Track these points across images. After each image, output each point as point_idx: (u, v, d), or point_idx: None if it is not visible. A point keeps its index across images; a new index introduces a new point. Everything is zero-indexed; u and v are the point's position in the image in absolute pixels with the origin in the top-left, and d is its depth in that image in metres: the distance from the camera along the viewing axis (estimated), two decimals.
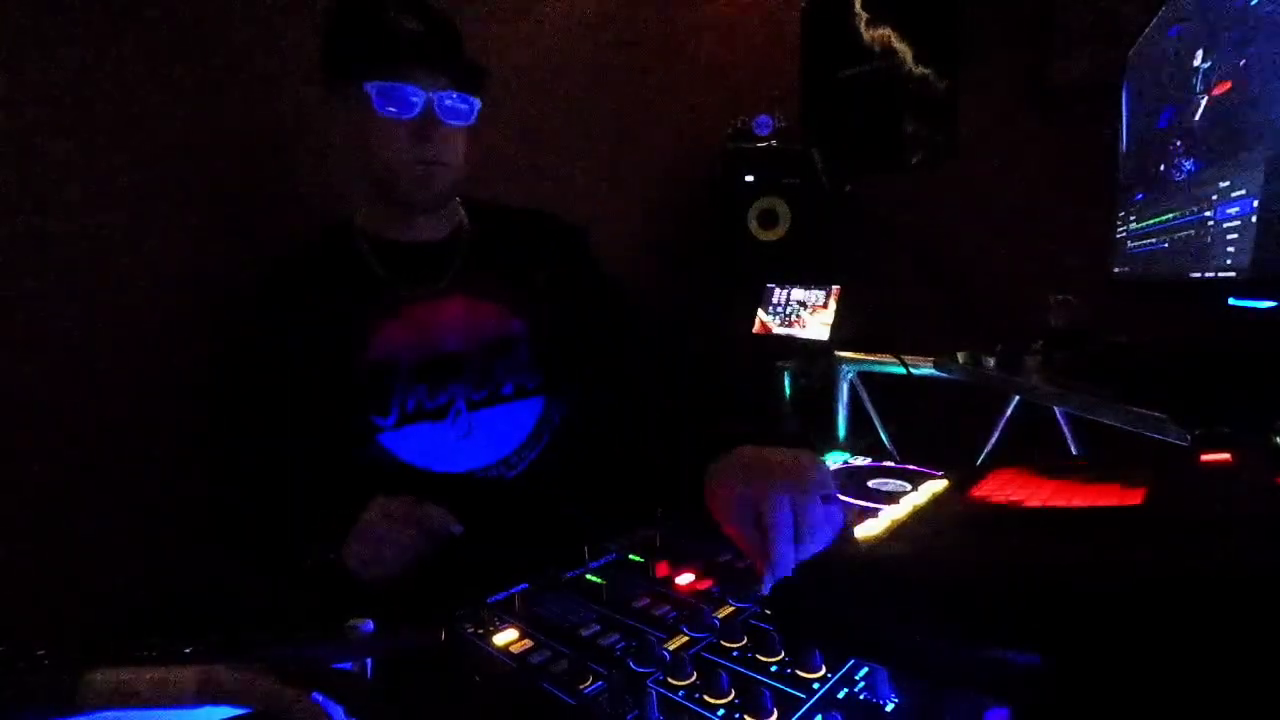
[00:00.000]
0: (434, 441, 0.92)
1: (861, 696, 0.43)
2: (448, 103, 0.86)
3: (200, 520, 1.10)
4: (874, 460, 0.97)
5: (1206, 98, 0.75)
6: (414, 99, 0.84)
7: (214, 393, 1.00)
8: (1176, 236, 0.81)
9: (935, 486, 0.53)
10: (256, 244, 1.16)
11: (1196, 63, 0.77)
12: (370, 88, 0.83)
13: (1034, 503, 0.44)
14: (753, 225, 1.68)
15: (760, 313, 1.59)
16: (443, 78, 0.86)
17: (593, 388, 1.02)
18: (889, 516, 0.47)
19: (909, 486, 0.83)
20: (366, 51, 0.85)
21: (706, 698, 0.43)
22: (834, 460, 0.99)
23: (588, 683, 0.45)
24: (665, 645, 0.49)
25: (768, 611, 0.54)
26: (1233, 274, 0.67)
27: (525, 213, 1.06)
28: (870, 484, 0.86)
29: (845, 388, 1.43)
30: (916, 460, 0.94)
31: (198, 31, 1.10)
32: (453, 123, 0.88)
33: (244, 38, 1.14)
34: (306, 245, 0.99)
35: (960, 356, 1.12)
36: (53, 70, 0.99)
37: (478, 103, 0.89)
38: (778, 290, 1.58)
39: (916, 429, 1.38)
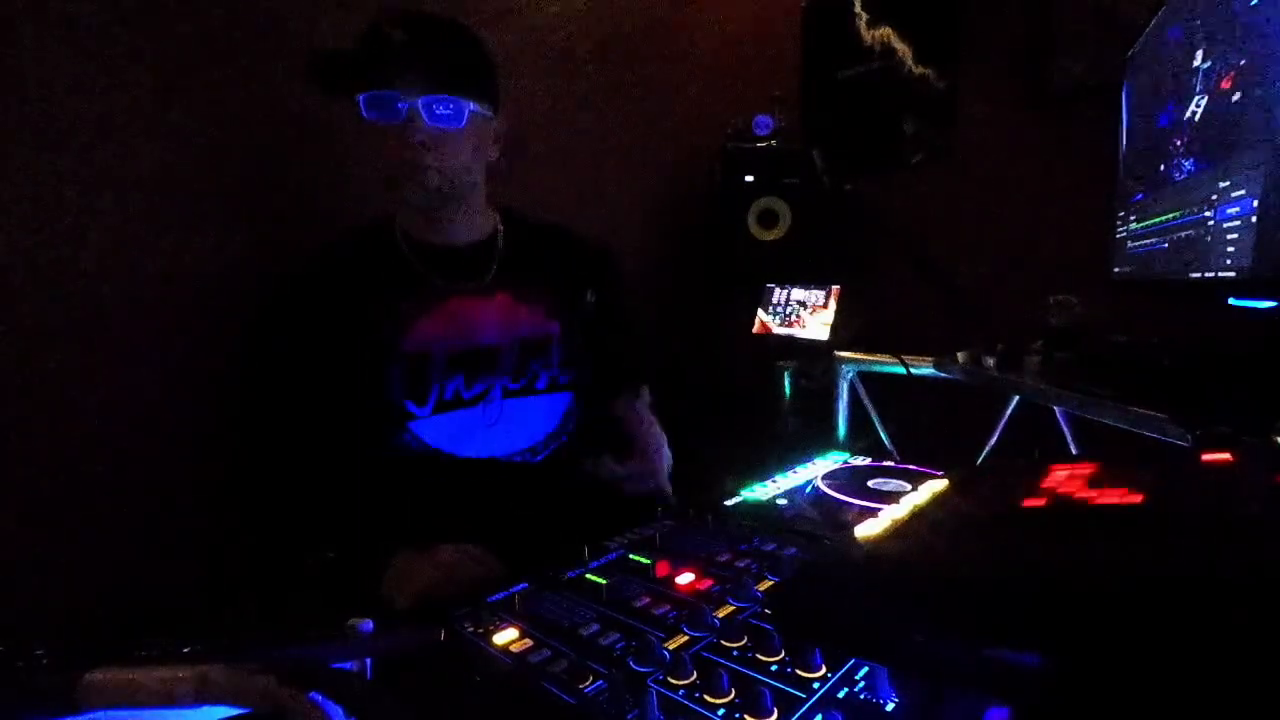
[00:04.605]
0: (462, 428, 0.96)
1: (861, 696, 0.43)
2: (435, 108, 0.88)
3: (200, 521, 1.10)
4: (874, 460, 0.97)
5: (1206, 98, 0.75)
6: (397, 105, 0.87)
7: (247, 378, 1.02)
8: (1176, 236, 0.81)
9: (935, 486, 0.53)
10: (274, 244, 1.16)
11: (1196, 63, 0.77)
12: (360, 98, 0.88)
13: (1034, 503, 0.44)
14: (753, 225, 1.68)
15: (760, 313, 1.59)
16: (428, 82, 0.88)
17: (606, 390, 1.08)
18: (889, 516, 0.47)
19: (909, 486, 0.83)
20: (352, 63, 0.88)
21: (706, 697, 0.43)
22: (834, 460, 0.99)
23: (588, 682, 0.45)
24: (665, 645, 0.49)
25: (768, 611, 0.54)
26: (1233, 274, 0.67)
27: (559, 229, 1.13)
28: (870, 484, 0.86)
29: (845, 388, 1.43)
30: (916, 460, 0.95)
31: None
32: (441, 126, 0.89)
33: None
34: (333, 244, 1.01)
35: (960, 356, 1.12)
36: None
37: (469, 105, 0.91)
38: (778, 290, 1.58)
39: (916, 429, 1.38)
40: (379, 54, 0.87)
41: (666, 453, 1.01)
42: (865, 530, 0.45)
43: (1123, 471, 0.46)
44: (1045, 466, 0.50)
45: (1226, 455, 0.45)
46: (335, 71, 0.91)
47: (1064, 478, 0.47)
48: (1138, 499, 0.39)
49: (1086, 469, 0.48)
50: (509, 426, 0.99)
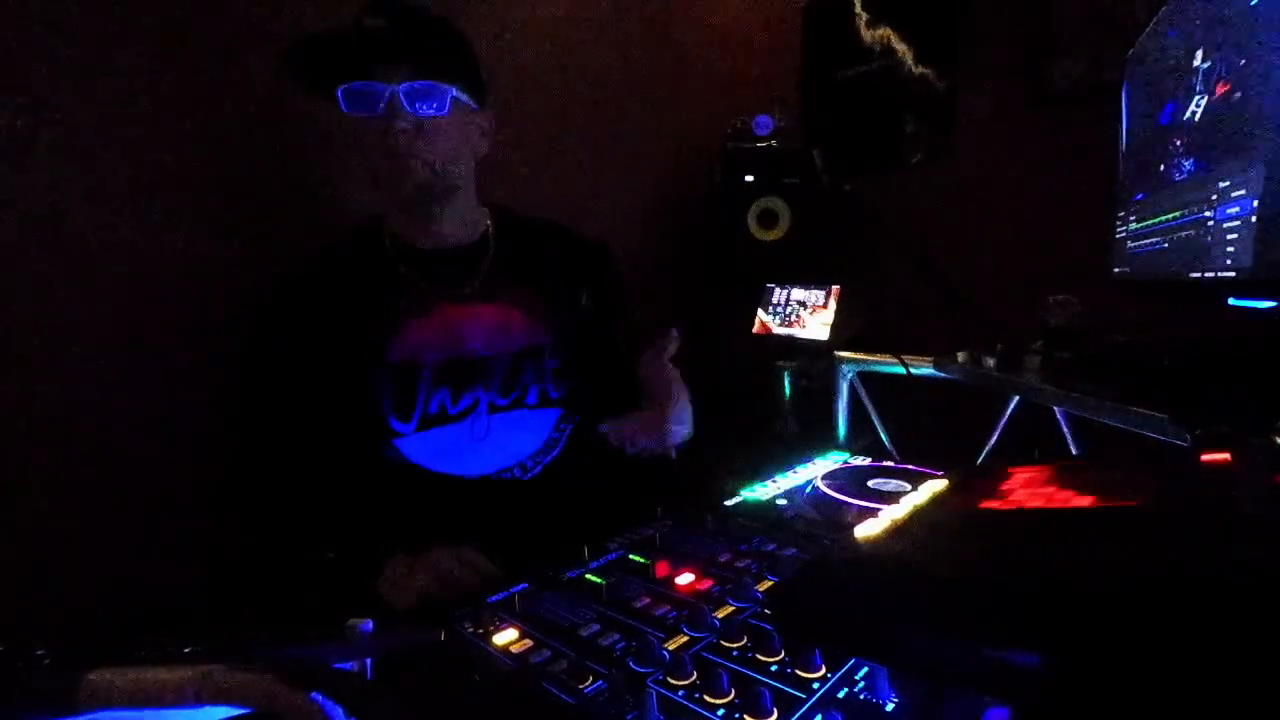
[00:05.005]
0: (450, 445, 0.93)
1: (861, 696, 0.43)
2: (415, 95, 0.85)
3: (200, 521, 1.10)
4: (874, 460, 0.97)
5: (1206, 98, 0.75)
6: (376, 94, 0.84)
7: (247, 378, 1.01)
8: (1176, 236, 0.81)
9: (935, 486, 0.53)
10: (273, 244, 1.16)
11: (1196, 63, 0.77)
12: (339, 92, 0.84)
13: (1034, 503, 0.44)
14: (753, 225, 1.68)
15: (760, 313, 1.59)
16: (404, 69, 0.84)
17: (602, 397, 1.03)
18: (889, 516, 0.47)
19: (909, 486, 0.83)
20: (327, 57, 0.86)
21: (706, 698, 0.43)
22: (834, 460, 0.99)
23: (588, 683, 0.45)
24: (665, 645, 0.49)
25: (768, 611, 0.54)
26: (1233, 274, 0.67)
27: (553, 227, 1.08)
28: (870, 484, 0.86)
29: (845, 388, 1.43)
30: (916, 460, 0.95)
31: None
32: (423, 113, 0.86)
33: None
34: (333, 245, 0.99)
35: (960, 356, 1.12)
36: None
37: (451, 91, 0.87)
38: (778, 290, 1.58)
39: (916, 429, 1.38)
40: (352, 44, 0.84)
41: (686, 407, 0.91)
42: (865, 530, 0.45)
43: (1123, 472, 0.46)
44: (1045, 466, 0.51)
45: (1226, 455, 0.45)
46: (310, 62, 0.87)
47: (1064, 477, 0.47)
48: (1138, 499, 0.39)
49: (1085, 469, 0.48)
50: (497, 443, 0.95)
